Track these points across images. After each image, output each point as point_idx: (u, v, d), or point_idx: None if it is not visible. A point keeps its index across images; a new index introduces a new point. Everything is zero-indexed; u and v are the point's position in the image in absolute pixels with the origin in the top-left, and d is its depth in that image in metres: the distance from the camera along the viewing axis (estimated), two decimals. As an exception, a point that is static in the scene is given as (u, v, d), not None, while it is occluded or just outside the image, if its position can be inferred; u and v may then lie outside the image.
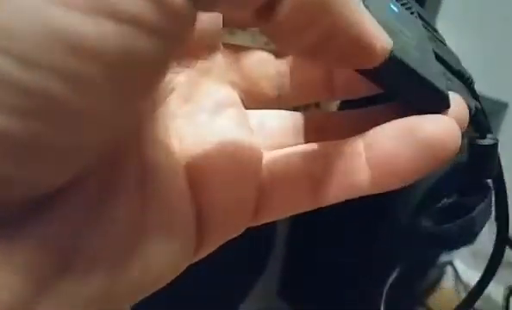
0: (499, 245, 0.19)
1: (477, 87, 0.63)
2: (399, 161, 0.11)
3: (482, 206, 0.17)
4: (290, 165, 0.13)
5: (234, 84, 0.14)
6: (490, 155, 0.17)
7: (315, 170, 0.13)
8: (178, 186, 0.12)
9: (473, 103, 0.15)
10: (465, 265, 0.72)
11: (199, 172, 0.12)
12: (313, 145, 0.13)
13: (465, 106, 0.13)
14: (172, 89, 0.13)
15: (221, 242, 0.13)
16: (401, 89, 0.12)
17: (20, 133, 0.07)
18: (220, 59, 0.14)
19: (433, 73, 0.13)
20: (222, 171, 0.12)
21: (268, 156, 0.14)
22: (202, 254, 0.13)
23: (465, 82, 0.16)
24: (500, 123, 0.63)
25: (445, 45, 0.17)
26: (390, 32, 0.12)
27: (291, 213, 0.13)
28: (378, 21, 0.11)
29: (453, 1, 0.65)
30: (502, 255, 0.19)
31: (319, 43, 0.10)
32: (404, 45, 0.12)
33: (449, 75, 0.15)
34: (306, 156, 0.13)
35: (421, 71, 0.12)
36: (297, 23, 0.09)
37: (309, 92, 0.15)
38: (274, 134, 0.14)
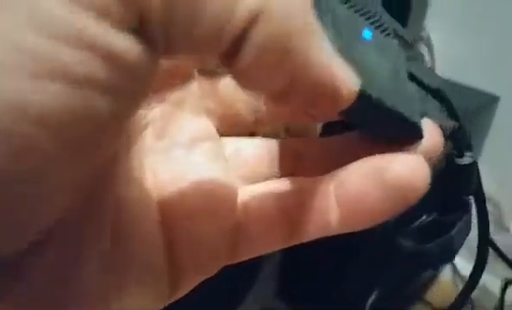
0: (480, 255, 0.19)
1: (470, 81, 0.63)
2: (368, 201, 0.11)
3: (460, 223, 0.18)
4: (265, 204, 0.13)
5: (209, 112, 0.14)
6: (468, 174, 0.17)
7: (290, 209, 0.13)
8: (151, 224, 0.12)
9: (450, 123, 0.15)
10: (462, 258, 0.73)
11: (173, 210, 0.12)
12: (286, 183, 0.13)
13: (439, 133, 0.13)
14: (147, 125, 0.13)
15: (197, 282, 0.13)
16: (371, 124, 0.13)
17: None
18: (194, 87, 0.14)
19: (407, 102, 0.13)
20: (196, 209, 0.12)
21: (243, 193, 0.13)
22: (179, 294, 0.12)
23: (443, 100, 0.16)
24: (492, 116, 0.64)
25: (423, 61, 0.17)
26: (361, 64, 0.12)
27: (268, 251, 0.13)
28: (349, 54, 0.11)
29: (443, 2, 0.65)
30: (484, 262, 0.19)
31: (284, 88, 0.09)
32: (374, 78, 0.12)
33: (426, 96, 0.15)
34: (280, 194, 0.13)
35: (392, 103, 0.12)
36: (261, 69, 0.09)
37: (287, 115, 0.15)
38: (249, 163, 0.14)
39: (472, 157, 0.17)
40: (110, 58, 0.07)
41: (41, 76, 0.07)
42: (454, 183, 0.17)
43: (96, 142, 0.08)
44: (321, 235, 0.12)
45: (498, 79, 0.63)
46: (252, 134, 0.15)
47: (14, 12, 0.07)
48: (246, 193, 0.14)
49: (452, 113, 0.16)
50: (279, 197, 0.13)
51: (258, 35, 0.08)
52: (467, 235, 0.19)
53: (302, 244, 0.13)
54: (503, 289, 0.55)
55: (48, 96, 0.07)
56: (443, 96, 0.16)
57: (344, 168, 0.12)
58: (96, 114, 0.07)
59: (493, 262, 0.71)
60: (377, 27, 0.14)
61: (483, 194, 0.18)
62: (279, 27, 0.08)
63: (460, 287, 0.76)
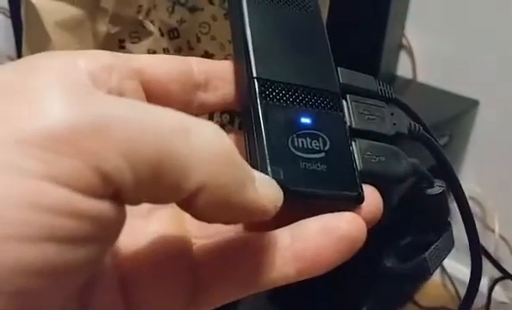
0: (474, 278, 0.20)
1: (449, 86, 0.65)
2: (323, 254, 0.13)
3: (437, 244, 0.19)
4: (223, 256, 0.14)
5: None
6: (439, 201, 0.19)
7: (246, 262, 0.14)
8: (111, 289, 0.13)
9: (409, 166, 0.17)
10: (450, 258, 0.74)
11: (130, 271, 0.13)
12: (243, 237, 0.15)
13: (378, 196, 0.15)
14: None
15: None
16: (307, 208, 0.14)
17: None
18: None
19: (344, 176, 0.15)
20: (152, 266, 0.14)
21: (202, 246, 0.14)
22: None
23: (400, 142, 0.17)
24: (472, 120, 0.65)
25: (389, 99, 0.18)
26: (292, 160, 0.14)
27: (231, 300, 0.14)
28: (281, 150, 0.14)
29: (421, 3, 0.67)
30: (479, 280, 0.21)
31: (229, 220, 0.12)
32: (305, 170, 0.14)
33: (380, 145, 0.17)
34: (237, 247, 0.14)
35: (324, 187, 0.14)
36: (207, 213, 0.11)
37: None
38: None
39: (442, 186, 0.19)
40: (90, 219, 0.09)
41: (35, 239, 0.09)
42: (429, 211, 0.19)
43: (75, 277, 0.10)
44: (279, 284, 0.14)
45: (477, 84, 0.65)
46: None
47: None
48: (202, 249, 0.15)
49: (431, 148, 0.18)
50: (235, 250, 0.14)
51: (203, 197, 0.11)
52: (447, 254, 0.21)
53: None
54: (490, 289, 0.57)
55: (43, 254, 0.09)
56: (400, 136, 0.17)
57: (299, 225, 0.14)
58: (78, 260, 0.09)
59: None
60: (318, 105, 0.16)
61: (467, 206, 0.20)
62: (220, 192, 0.11)
63: (449, 286, 0.77)
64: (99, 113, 0.09)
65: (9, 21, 0.53)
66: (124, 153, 0.09)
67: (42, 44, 0.31)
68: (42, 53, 0.12)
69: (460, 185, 0.19)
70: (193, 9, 0.32)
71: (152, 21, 0.32)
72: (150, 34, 0.32)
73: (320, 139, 0.15)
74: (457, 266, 0.75)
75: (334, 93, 0.17)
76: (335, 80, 0.17)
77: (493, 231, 0.69)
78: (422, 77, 0.70)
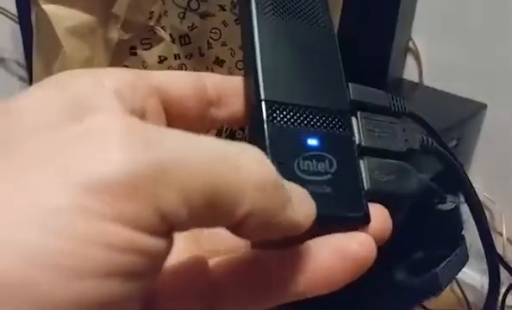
0: (492, 275, 0.20)
1: (456, 89, 0.65)
2: (335, 274, 0.14)
3: (450, 259, 0.19)
4: (237, 273, 0.15)
5: None
6: (451, 217, 0.19)
7: (260, 279, 0.14)
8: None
9: (419, 183, 0.17)
10: (457, 263, 0.74)
11: (154, 289, 0.14)
12: (257, 255, 0.15)
13: (386, 215, 0.16)
14: None
15: None
16: (314, 230, 0.14)
17: None
18: None
19: (350, 197, 0.15)
20: (175, 283, 0.14)
21: (217, 264, 0.15)
22: None
23: (413, 158, 0.17)
24: (480, 124, 0.65)
25: (402, 114, 0.18)
26: (298, 184, 0.14)
27: None
28: (287, 174, 0.13)
29: (427, 7, 0.67)
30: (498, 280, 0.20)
31: (268, 236, 0.13)
32: (310, 194, 0.14)
33: (389, 163, 0.16)
34: (251, 265, 0.15)
35: (328, 210, 0.14)
36: (254, 233, 0.12)
37: None
38: (223, 238, 0.16)
39: (454, 202, 0.19)
40: (148, 255, 0.10)
41: (103, 275, 0.09)
42: (441, 226, 0.19)
43: (131, 303, 0.10)
44: (289, 301, 0.14)
45: (485, 87, 0.64)
46: None
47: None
48: (218, 266, 0.15)
49: (422, 165, 0.18)
50: (248, 271, 0.15)
51: (252, 221, 0.11)
52: (460, 268, 0.21)
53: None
54: (505, 294, 0.56)
55: (106, 287, 0.09)
56: (412, 153, 0.17)
57: (312, 244, 0.14)
58: (133, 293, 0.10)
59: (486, 263, 0.72)
60: (326, 126, 0.16)
61: (485, 222, 0.20)
62: (266, 215, 0.12)
63: (457, 290, 0.77)
64: (155, 155, 0.10)
65: (17, 27, 0.53)
66: (181, 191, 0.10)
67: (53, 51, 0.31)
68: (68, 73, 0.13)
69: (478, 199, 0.19)
70: (204, 15, 0.32)
71: (163, 28, 0.32)
72: (161, 40, 0.31)
73: (326, 161, 0.15)
74: (465, 270, 0.75)
75: (343, 111, 0.16)
76: (345, 97, 0.17)
77: (501, 234, 0.69)
78: (429, 81, 0.70)
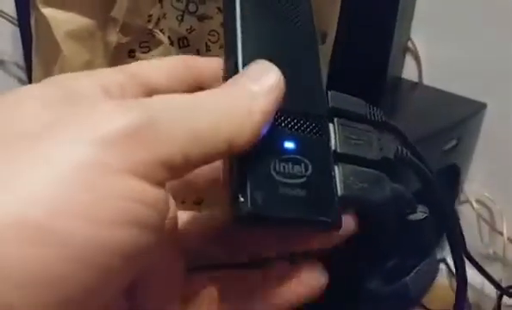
0: (460, 283, 0.21)
1: (456, 89, 0.65)
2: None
3: (420, 268, 0.20)
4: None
5: None
6: (422, 227, 0.20)
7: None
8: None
9: (391, 192, 0.17)
10: (457, 262, 0.74)
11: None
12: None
13: (351, 224, 0.16)
14: None
15: None
16: (287, 230, 0.16)
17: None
18: None
19: (323, 201, 0.15)
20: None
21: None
22: None
23: (387, 167, 0.17)
24: (479, 123, 0.65)
25: (379, 123, 0.18)
26: (273, 185, 0.14)
27: None
28: (262, 175, 0.14)
29: (426, 6, 0.67)
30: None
31: None
32: (285, 196, 0.14)
33: (363, 171, 0.17)
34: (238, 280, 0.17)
35: (301, 213, 0.15)
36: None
37: None
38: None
39: (425, 212, 0.19)
40: (154, 206, 0.12)
41: (124, 224, 0.11)
42: (410, 236, 0.20)
43: (141, 262, 0.12)
44: None
45: (485, 86, 0.64)
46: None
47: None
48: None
49: (394, 175, 0.18)
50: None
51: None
52: (432, 279, 0.21)
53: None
54: (500, 295, 0.56)
55: (122, 237, 0.11)
56: (385, 163, 0.17)
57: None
58: (148, 244, 0.12)
59: (490, 266, 0.72)
60: (304, 130, 0.16)
61: (457, 235, 0.20)
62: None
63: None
64: (147, 112, 0.12)
65: (16, 30, 0.53)
66: (174, 139, 0.12)
67: (53, 54, 0.31)
68: (63, 75, 0.14)
69: (453, 212, 0.20)
70: (202, 18, 0.32)
71: (161, 30, 0.32)
72: (160, 43, 0.32)
73: (302, 165, 0.15)
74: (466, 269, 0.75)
75: (321, 117, 0.17)
76: (324, 104, 0.17)
77: (501, 234, 0.69)
78: (428, 80, 0.70)
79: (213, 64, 0.17)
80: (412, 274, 0.19)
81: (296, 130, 0.16)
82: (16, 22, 0.53)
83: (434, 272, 0.21)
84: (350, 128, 0.17)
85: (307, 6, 0.18)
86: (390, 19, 0.61)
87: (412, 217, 0.19)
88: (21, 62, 0.57)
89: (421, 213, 0.19)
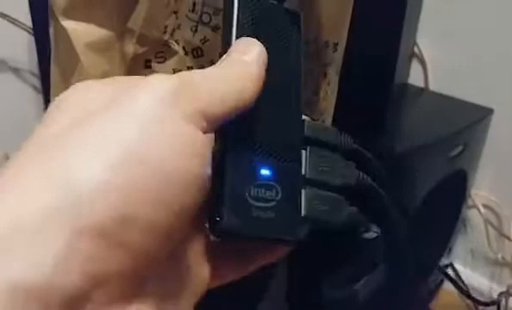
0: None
1: (462, 94, 0.65)
2: None
3: (365, 280, 0.23)
4: None
5: None
6: (373, 244, 0.23)
7: None
8: None
9: (349, 214, 0.20)
10: (466, 267, 0.74)
11: None
12: None
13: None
14: None
15: None
16: (256, 245, 0.19)
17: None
18: None
19: (288, 222, 0.18)
20: None
21: None
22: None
23: (348, 191, 0.20)
24: (486, 129, 0.65)
25: (349, 150, 0.21)
26: (247, 208, 0.17)
27: None
28: (239, 199, 0.16)
29: (432, 12, 0.67)
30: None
31: None
32: (257, 218, 0.17)
33: (325, 195, 0.19)
34: None
35: (269, 233, 0.17)
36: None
37: None
38: None
39: (376, 232, 0.22)
40: (202, 142, 0.15)
41: (188, 157, 0.14)
42: (363, 250, 0.23)
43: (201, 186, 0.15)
44: None
45: (491, 92, 0.65)
46: None
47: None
48: None
49: (354, 199, 0.21)
50: None
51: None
52: (378, 287, 0.25)
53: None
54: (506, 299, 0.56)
55: (192, 168, 0.15)
56: (347, 187, 0.20)
57: None
58: (202, 172, 0.15)
59: (499, 271, 0.72)
60: (279, 158, 0.18)
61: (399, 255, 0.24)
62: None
63: (466, 295, 0.76)
64: (185, 78, 0.15)
65: (31, 39, 0.54)
66: (206, 98, 0.15)
67: (71, 65, 0.32)
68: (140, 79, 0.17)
69: (397, 234, 0.23)
70: (216, 28, 0.33)
71: (176, 41, 0.33)
72: (175, 53, 0.32)
73: (274, 190, 0.17)
74: (472, 274, 0.75)
75: (295, 145, 0.19)
76: (300, 133, 0.19)
77: (509, 238, 0.69)
78: (434, 86, 0.71)
79: None
80: (362, 282, 0.23)
81: (272, 157, 0.18)
82: (32, 31, 0.54)
83: (382, 281, 0.25)
84: (319, 156, 0.20)
85: (298, 37, 0.20)
86: (397, 25, 0.62)
87: (366, 235, 0.22)
88: (36, 70, 0.58)
89: (373, 233, 0.22)
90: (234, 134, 0.17)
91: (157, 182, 0.13)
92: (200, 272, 0.17)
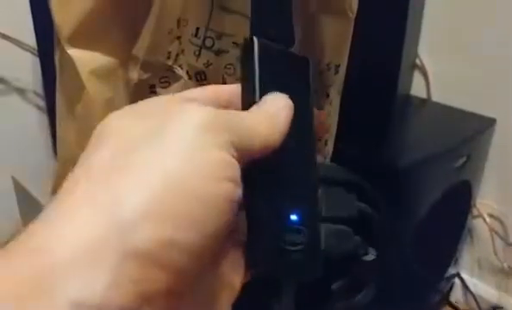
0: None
1: (465, 105, 0.65)
2: None
3: (362, 293, 0.29)
4: None
5: None
6: (371, 265, 0.26)
7: None
8: None
9: (355, 243, 0.23)
10: (471, 276, 0.74)
11: None
12: None
13: None
14: None
15: None
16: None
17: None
18: None
19: (313, 261, 0.19)
20: None
21: None
22: None
23: (353, 221, 0.23)
24: (490, 138, 0.65)
25: (353, 184, 0.24)
26: (278, 253, 0.18)
27: None
28: (274, 245, 0.18)
29: (433, 23, 0.68)
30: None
31: None
32: (287, 261, 0.18)
33: (336, 229, 0.22)
34: None
35: (298, 274, 0.19)
36: None
37: None
38: None
39: (374, 255, 0.25)
40: (234, 167, 0.16)
41: (227, 180, 0.16)
42: (362, 270, 0.28)
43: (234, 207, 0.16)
44: None
45: (493, 102, 0.65)
46: None
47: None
48: None
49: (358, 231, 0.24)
50: None
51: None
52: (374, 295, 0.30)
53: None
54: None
55: (228, 188, 0.16)
56: (349, 218, 0.23)
57: None
58: (236, 194, 0.16)
59: (505, 280, 0.72)
60: (304, 202, 0.19)
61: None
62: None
63: (473, 305, 0.76)
64: (224, 116, 0.17)
65: (36, 60, 0.55)
66: (238, 134, 0.17)
67: (76, 92, 0.32)
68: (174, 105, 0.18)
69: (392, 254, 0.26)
70: (218, 52, 0.34)
71: (180, 66, 0.33)
72: (179, 78, 0.33)
73: (302, 233, 0.19)
74: (479, 283, 0.74)
75: (314, 187, 0.20)
76: (316, 174, 0.20)
77: (514, 247, 0.69)
78: (437, 97, 0.71)
79: (228, 88, 0.22)
80: (362, 292, 0.28)
81: (298, 201, 0.19)
82: (36, 53, 0.55)
83: (370, 298, 0.29)
84: (327, 193, 0.22)
85: (308, 81, 0.21)
86: (399, 37, 0.62)
87: (365, 258, 0.25)
88: (41, 91, 0.58)
89: (371, 255, 0.25)
90: (261, 179, 0.18)
91: (195, 207, 0.15)
92: (232, 281, 0.19)
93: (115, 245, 0.14)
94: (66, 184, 0.15)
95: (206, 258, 0.16)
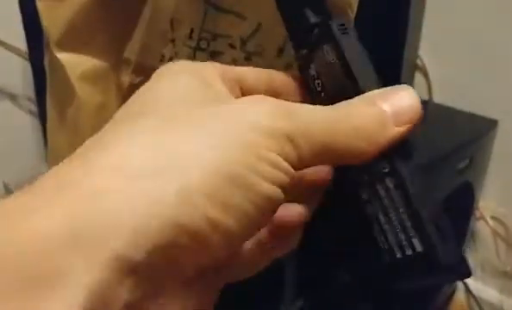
0: None
1: (466, 106, 0.64)
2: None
3: None
4: None
5: None
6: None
7: None
8: None
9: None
10: (474, 279, 0.73)
11: None
12: None
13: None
14: None
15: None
16: None
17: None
18: None
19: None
20: None
21: None
22: None
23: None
24: (492, 140, 0.64)
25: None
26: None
27: None
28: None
29: (435, 24, 0.67)
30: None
31: None
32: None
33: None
34: None
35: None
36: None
37: None
38: None
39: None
40: (288, 174, 0.16)
41: (270, 181, 0.15)
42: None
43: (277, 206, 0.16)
44: None
45: (495, 103, 0.64)
46: None
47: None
48: None
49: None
50: None
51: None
52: None
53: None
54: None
55: (275, 193, 0.16)
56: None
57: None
58: (282, 198, 0.16)
59: (508, 283, 0.71)
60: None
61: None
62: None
63: (475, 308, 0.75)
64: (289, 123, 0.16)
65: (27, 64, 0.54)
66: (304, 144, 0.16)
67: (67, 96, 0.31)
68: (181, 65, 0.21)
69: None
70: (214, 54, 0.32)
71: (174, 69, 0.32)
72: (173, 81, 0.32)
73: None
74: (482, 286, 0.73)
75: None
76: None
77: (518, 250, 0.68)
78: (438, 98, 0.70)
79: (281, 76, 0.22)
80: None
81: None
82: (27, 57, 0.54)
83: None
84: None
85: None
86: (400, 38, 0.61)
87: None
88: (33, 95, 0.57)
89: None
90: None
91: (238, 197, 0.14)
92: (256, 263, 0.19)
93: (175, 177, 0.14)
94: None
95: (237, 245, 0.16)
